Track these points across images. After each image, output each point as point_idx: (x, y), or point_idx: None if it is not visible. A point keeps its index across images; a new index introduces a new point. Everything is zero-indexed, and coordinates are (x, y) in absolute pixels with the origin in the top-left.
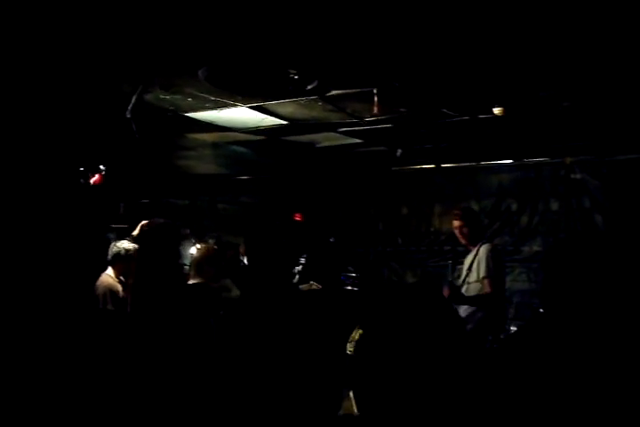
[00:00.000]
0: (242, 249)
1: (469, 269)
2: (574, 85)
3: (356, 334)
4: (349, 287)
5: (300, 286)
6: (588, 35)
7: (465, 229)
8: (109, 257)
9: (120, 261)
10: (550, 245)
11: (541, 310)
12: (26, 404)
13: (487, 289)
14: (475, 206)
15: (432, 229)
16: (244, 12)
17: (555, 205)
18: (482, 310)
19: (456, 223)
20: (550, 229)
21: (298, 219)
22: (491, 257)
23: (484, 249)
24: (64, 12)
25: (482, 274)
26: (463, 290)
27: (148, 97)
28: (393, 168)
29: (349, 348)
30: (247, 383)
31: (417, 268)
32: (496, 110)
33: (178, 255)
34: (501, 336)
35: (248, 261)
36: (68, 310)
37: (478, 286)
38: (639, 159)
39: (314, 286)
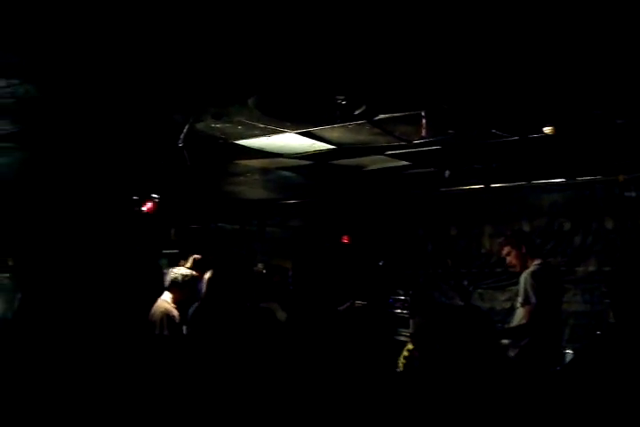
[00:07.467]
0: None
1: (518, 293)
2: (629, 103)
3: (405, 351)
4: (398, 310)
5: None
6: None
7: (512, 258)
8: (167, 283)
9: (177, 286)
10: (614, 268)
11: (598, 332)
12: None
13: (525, 318)
14: (526, 226)
15: (483, 251)
16: (293, 41)
17: (609, 224)
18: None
19: (503, 252)
20: (605, 249)
21: (346, 242)
22: (529, 282)
23: (524, 274)
24: (121, 46)
25: (519, 301)
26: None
27: (200, 126)
28: (441, 189)
29: (400, 364)
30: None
31: (467, 290)
32: (547, 129)
33: (246, 286)
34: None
35: (294, 284)
36: (125, 337)
37: (522, 311)
38: None
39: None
